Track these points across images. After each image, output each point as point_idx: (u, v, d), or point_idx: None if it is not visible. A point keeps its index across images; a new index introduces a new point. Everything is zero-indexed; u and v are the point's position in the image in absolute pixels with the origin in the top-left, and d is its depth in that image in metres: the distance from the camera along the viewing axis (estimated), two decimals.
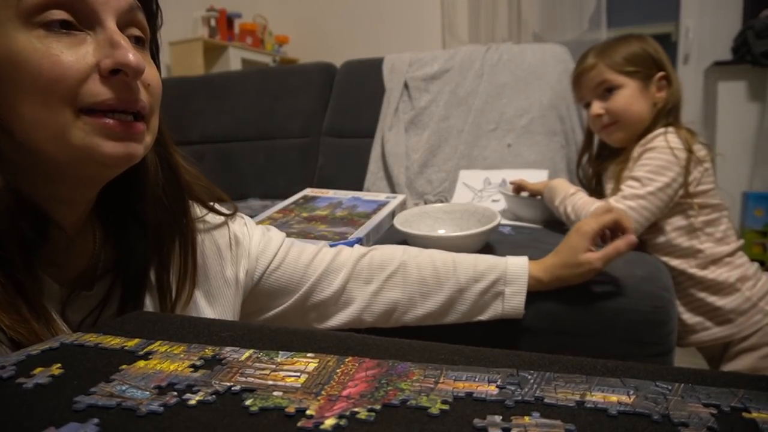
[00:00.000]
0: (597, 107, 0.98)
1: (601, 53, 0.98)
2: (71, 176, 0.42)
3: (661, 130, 0.91)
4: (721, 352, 0.93)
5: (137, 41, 0.44)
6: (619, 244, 0.67)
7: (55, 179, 0.41)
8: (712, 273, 0.89)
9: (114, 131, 0.40)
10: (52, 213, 0.43)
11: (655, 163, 0.88)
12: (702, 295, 0.90)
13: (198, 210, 0.55)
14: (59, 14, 0.38)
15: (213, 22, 2.68)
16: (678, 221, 0.91)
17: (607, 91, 0.97)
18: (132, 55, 0.39)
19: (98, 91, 0.39)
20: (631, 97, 0.95)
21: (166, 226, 0.49)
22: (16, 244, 0.38)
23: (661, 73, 0.96)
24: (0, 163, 0.38)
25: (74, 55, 0.38)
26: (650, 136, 0.92)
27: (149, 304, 0.50)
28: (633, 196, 0.88)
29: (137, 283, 0.49)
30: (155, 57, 0.49)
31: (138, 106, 0.41)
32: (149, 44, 0.46)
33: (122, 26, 0.41)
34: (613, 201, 0.89)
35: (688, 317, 0.92)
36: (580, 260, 0.67)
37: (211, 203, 0.56)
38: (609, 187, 1.03)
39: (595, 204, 0.91)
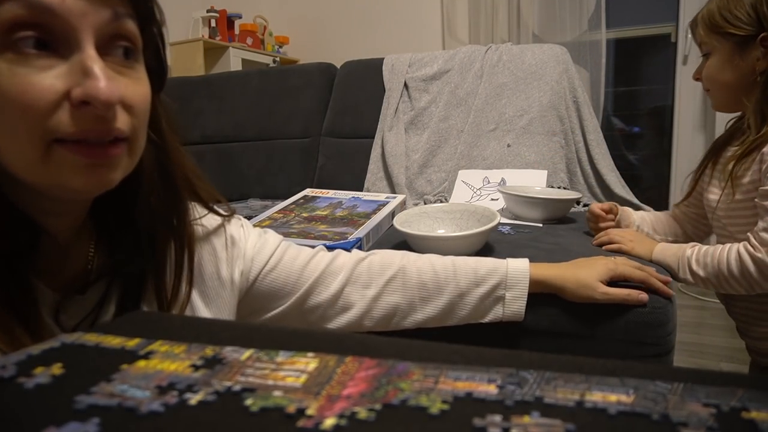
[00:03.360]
0: (696, 71, 0.88)
1: (705, 9, 0.83)
2: (53, 197, 0.40)
3: None
4: None
5: (126, 53, 0.40)
6: (631, 296, 0.68)
7: (41, 195, 0.40)
8: None
9: (83, 163, 0.37)
10: (44, 223, 0.42)
11: None
12: None
13: (196, 211, 0.55)
14: (31, 34, 0.34)
15: (213, 23, 2.68)
16: None
17: (704, 55, 0.86)
18: (104, 87, 0.35)
19: (67, 122, 0.36)
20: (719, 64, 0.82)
21: (161, 231, 0.49)
22: (8, 255, 0.38)
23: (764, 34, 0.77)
24: None
25: (43, 81, 0.35)
26: None
27: (146, 307, 0.49)
28: None
29: (134, 287, 0.48)
30: (161, 58, 0.46)
31: (113, 134, 0.38)
32: (144, 50, 0.43)
33: (107, 40, 0.38)
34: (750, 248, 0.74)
35: None
36: (593, 285, 0.67)
37: (211, 204, 0.56)
38: (718, 185, 0.85)
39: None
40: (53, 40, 0.35)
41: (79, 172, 0.37)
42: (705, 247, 0.81)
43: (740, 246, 0.76)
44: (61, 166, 0.37)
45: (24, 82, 0.34)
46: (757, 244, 0.74)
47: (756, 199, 0.76)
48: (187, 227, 0.51)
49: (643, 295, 0.68)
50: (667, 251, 0.84)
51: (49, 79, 0.35)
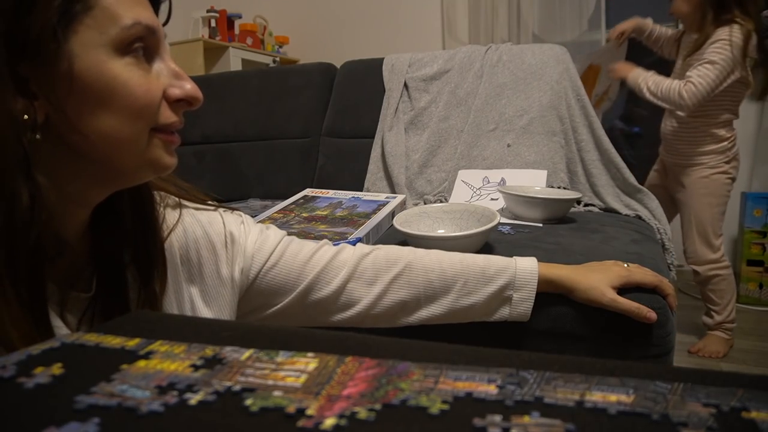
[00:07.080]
0: None
1: None
2: (120, 179, 0.46)
3: None
4: None
5: None
6: (641, 311, 0.66)
7: (96, 183, 0.44)
8: None
9: (174, 146, 0.47)
10: (64, 218, 0.43)
11: None
12: None
13: (186, 207, 0.56)
14: (143, 45, 0.43)
15: (213, 23, 2.68)
16: None
17: None
18: (194, 87, 0.46)
19: (169, 114, 0.45)
20: None
21: (139, 221, 0.50)
22: (39, 259, 0.39)
23: None
24: (53, 174, 0.40)
25: (155, 81, 0.44)
26: None
27: (133, 299, 0.50)
28: None
29: (120, 280, 0.49)
30: None
31: (182, 124, 0.48)
32: None
33: None
34: None
35: None
36: (603, 290, 0.66)
37: (201, 199, 0.58)
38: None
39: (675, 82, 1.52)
40: (147, 51, 0.44)
41: (169, 152, 0.46)
42: (657, 79, 1.57)
43: (680, 83, 1.53)
44: (159, 148, 0.45)
45: (144, 82, 0.43)
46: (685, 80, 1.51)
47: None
48: (158, 215, 0.52)
49: (652, 314, 0.66)
50: (633, 74, 1.63)
51: (155, 80, 0.44)
